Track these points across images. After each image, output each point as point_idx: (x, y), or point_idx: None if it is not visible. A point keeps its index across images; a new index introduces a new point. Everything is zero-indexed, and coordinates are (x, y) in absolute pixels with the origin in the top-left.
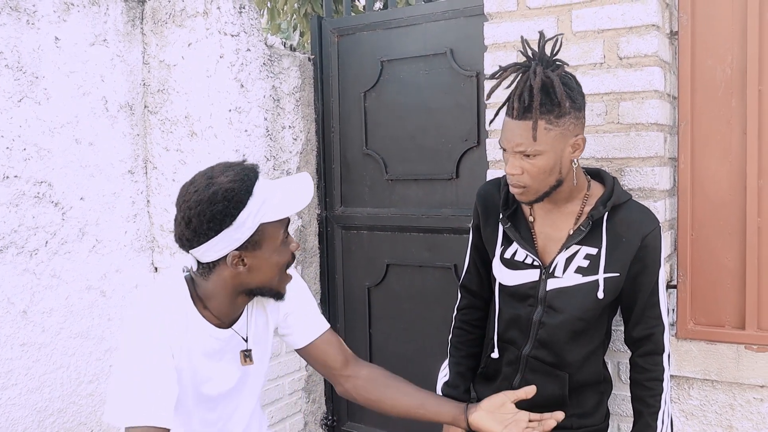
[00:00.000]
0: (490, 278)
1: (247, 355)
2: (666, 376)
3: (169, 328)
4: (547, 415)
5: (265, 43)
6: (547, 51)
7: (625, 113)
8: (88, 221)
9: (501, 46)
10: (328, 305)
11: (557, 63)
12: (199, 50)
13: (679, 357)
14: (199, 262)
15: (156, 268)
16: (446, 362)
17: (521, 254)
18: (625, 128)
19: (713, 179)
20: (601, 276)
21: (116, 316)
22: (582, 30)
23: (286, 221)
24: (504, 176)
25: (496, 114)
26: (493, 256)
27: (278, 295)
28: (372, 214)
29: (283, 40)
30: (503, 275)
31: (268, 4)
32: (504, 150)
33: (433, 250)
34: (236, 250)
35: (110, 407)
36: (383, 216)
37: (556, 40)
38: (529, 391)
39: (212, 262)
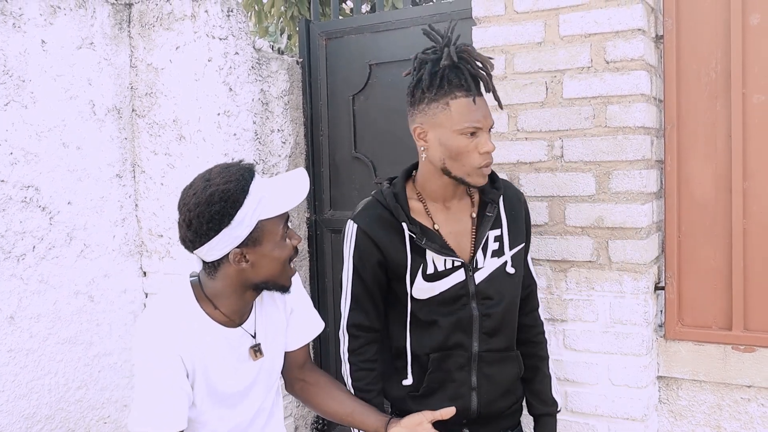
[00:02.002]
0: (384, 307)
1: (257, 350)
2: (544, 328)
3: (174, 334)
4: None
5: (254, 47)
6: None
7: (612, 116)
8: (75, 226)
9: (489, 50)
10: (317, 309)
11: (465, 45)
12: (187, 54)
13: (667, 358)
14: (204, 262)
15: (144, 273)
16: None
17: (440, 263)
18: (612, 131)
19: (699, 181)
20: (507, 254)
21: (105, 321)
22: (569, 34)
23: (285, 216)
24: (377, 198)
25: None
26: (413, 279)
27: (283, 288)
28: None
29: (271, 43)
30: (428, 289)
31: (255, 7)
32: (473, 132)
33: None
34: (237, 247)
35: (131, 416)
36: None
37: (453, 24)
38: (445, 413)
39: (216, 261)
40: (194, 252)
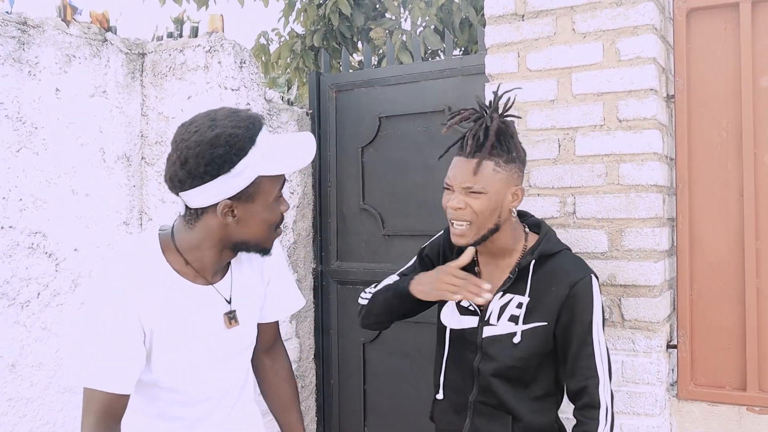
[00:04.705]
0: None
1: (231, 317)
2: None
3: (136, 287)
4: None
5: (265, 98)
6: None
7: (625, 174)
8: (81, 273)
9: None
10: (322, 360)
11: (510, 117)
12: (198, 103)
13: (680, 418)
14: (186, 207)
15: None
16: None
17: (466, 300)
18: (625, 189)
19: (711, 240)
20: (520, 326)
21: None
22: (582, 93)
23: (283, 178)
24: None
25: (446, 151)
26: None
27: (264, 251)
28: (368, 269)
29: (282, 94)
30: (455, 320)
31: (263, 58)
32: (447, 188)
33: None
34: (228, 199)
35: (72, 367)
36: (380, 271)
37: (509, 99)
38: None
39: (201, 209)
40: (180, 194)
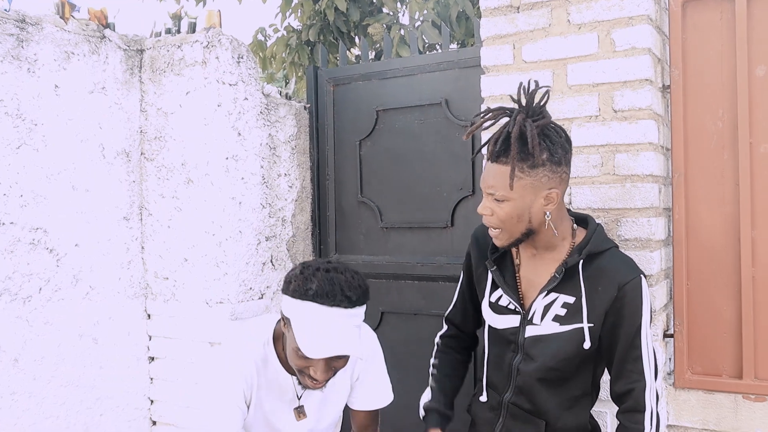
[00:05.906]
0: (477, 316)
1: (300, 411)
2: None
3: (242, 367)
4: None
5: (262, 92)
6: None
7: (620, 165)
8: (82, 268)
9: (498, 98)
10: None
11: (542, 114)
12: (196, 99)
13: (677, 407)
14: None
15: (149, 315)
16: (427, 389)
17: (505, 299)
18: (620, 179)
19: (708, 229)
20: (585, 325)
21: (107, 364)
22: (577, 84)
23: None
24: None
25: (477, 152)
26: (482, 298)
27: (299, 382)
28: (367, 262)
29: (279, 89)
30: (491, 318)
31: (260, 54)
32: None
33: (428, 298)
34: (283, 314)
35: (204, 416)
36: (378, 264)
37: (545, 92)
38: None
39: None
40: None
